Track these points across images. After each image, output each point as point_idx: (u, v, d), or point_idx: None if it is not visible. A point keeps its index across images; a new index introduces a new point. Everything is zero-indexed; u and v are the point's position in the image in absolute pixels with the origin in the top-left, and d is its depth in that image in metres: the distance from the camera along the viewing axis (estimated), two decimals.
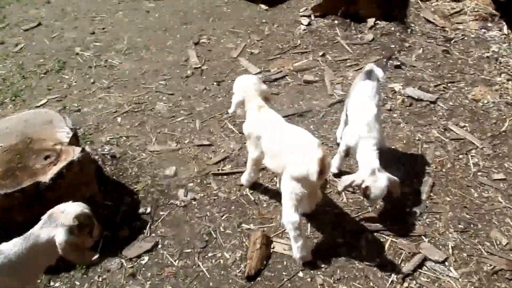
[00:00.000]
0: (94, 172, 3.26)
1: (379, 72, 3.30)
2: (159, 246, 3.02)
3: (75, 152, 2.85)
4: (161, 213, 3.24)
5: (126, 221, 3.16)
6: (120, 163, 3.65)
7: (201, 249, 2.99)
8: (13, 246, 2.08)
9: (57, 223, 2.09)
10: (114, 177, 3.51)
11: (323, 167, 2.48)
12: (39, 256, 2.14)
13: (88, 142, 3.84)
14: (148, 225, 3.15)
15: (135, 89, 4.52)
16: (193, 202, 3.32)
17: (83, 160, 2.90)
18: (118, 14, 5.88)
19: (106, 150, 3.76)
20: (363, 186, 2.79)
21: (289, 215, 2.71)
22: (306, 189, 2.66)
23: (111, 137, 3.92)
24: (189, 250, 2.99)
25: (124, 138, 3.91)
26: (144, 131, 3.99)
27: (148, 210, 3.25)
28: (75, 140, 3.03)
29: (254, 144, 3.02)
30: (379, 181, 2.77)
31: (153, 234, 3.10)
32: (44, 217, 2.15)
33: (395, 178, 2.86)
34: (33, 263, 2.15)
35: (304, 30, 5.34)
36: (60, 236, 2.06)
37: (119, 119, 4.14)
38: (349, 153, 3.30)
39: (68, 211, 2.13)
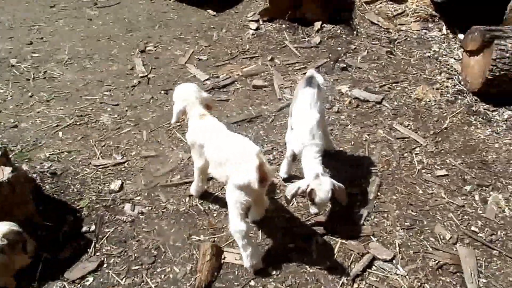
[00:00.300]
0: (30, 191, 3.06)
1: (319, 78, 3.32)
2: (105, 265, 2.87)
3: (4, 173, 2.66)
4: (107, 230, 3.08)
5: (68, 241, 2.98)
6: (62, 180, 3.45)
7: (150, 265, 2.87)
8: None
9: None
10: (54, 195, 3.31)
11: (262, 174, 2.47)
12: None
13: (26, 160, 3.60)
14: (93, 244, 2.98)
15: (77, 101, 4.32)
16: (141, 217, 3.19)
17: (15, 180, 2.71)
18: (58, 22, 5.61)
19: (45, 167, 3.54)
20: (308, 190, 2.80)
21: (236, 224, 2.66)
22: (250, 197, 2.63)
23: (51, 153, 3.70)
24: (136, 267, 2.86)
25: (65, 153, 3.71)
26: (87, 145, 3.81)
27: (92, 228, 3.09)
28: (5, 159, 2.83)
29: (198, 153, 2.95)
30: (323, 184, 2.79)
31: (98, 253, 2.94)
32: None
33: (341, 184, 2.88)
34: None
35: (253, 34, 5.32)
36: None
37: (60, 133, 3.92)
38: (296, 157, 3.29)
39: None
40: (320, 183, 2.80)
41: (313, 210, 2.96)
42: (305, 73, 4.55)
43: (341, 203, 2.99)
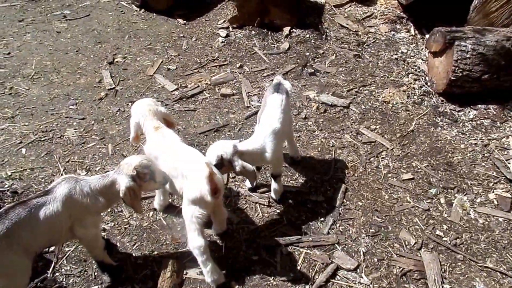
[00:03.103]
0: None
1: (287, 84, 3.29)
2: (63, 286, 2.81)
3: None
4: (67, 249, 3.02)
5: None
6: (22, 199, 3.40)
7: (110, 284, 2.81)
8: (93, 179, 2.57)
9: (122, 172, 2.55)
10: None
11: (214, 185, 2.43)
12: (109, 193, 2.58)
13: None
14: (52, 264, 2.92)
15: (42, 116, 4.24)
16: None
17: None
18: (26, 36, 5.51)
19: (6, 186, 3.48)
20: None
21: (194, 240, 2.63)
22: (205, 210, 2.59)
23: (13, 171, 3.62)
24: (96, 287, 2.80)
25: (28, 170, 3.63)
26: (51, 161, 3.74)
27: (52, 247, 3.03)
28: None
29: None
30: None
31: (57, 274, 2.88)
32: (117, 167, 2.61)
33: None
34: (104, 196, 2.58)
35: (222, 42, 5.27)
36: (122, 183, 2.52)
37: (23, 150, 3.85)
38: (260, 166, 3.26)
39: (130, 162, 2.57)
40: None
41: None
42: (273, 80, 4.56)
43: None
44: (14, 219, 2.29)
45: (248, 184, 3.41)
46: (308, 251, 2.98)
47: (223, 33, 5.39)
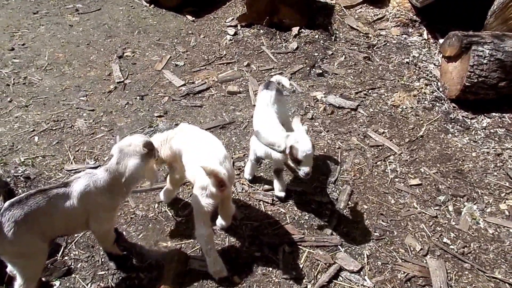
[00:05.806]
0: (3, 196, 3.03)
1: (284, 81, 3.30)
2: (72, 269, 2.84)
3: None
4: (75, 235, 3.05)
5: None
6: (35, 184, 3.42)
7: (115, 271, 2.84)
8: (100, 173, 2.53)
9: (130, 154, 2.50)
10: None
11: (220, 177, 2.45)
12: (116, 185, 2.53)
13: (1, 164, 3.58)
14: (62, 248, 2.96)
15: (54, 106, 4.29)
16: None
17: None
18: (40, 28, 5.58)
19: (20, 171, 3.52)
20: (288, 150, 2.75)
21: (200, 228, 2.67)
22: (212, 200, 2.60)
23: (26, 157, 3.67)
24: (103, 272, 2.84)
25: (40, 158, 3.68)
26: (62, 149, 3.78)
27: None
28: None
29: (179, 162, 2.93)
30: (300, 137, 2.74)
31: (65, 258, 2.92)
32: (115, 154, 2.53)
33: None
34: (116, 189, 2.55)
35: (230, 40, 5.29)
36: (137, 163, 2.49)
37: (36, 138, 3.90)
38: (259, 160, 3.26)
39: (135, 143, 2.54)
40: (296, 138, 2.74)
41: (303, 171, 2.77)
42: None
43: None
44: (33, 206, 2.36)
45: (246, 175, 3.43)
46: (311, 250, 2.97)
47: (231, 31, 5.42)
